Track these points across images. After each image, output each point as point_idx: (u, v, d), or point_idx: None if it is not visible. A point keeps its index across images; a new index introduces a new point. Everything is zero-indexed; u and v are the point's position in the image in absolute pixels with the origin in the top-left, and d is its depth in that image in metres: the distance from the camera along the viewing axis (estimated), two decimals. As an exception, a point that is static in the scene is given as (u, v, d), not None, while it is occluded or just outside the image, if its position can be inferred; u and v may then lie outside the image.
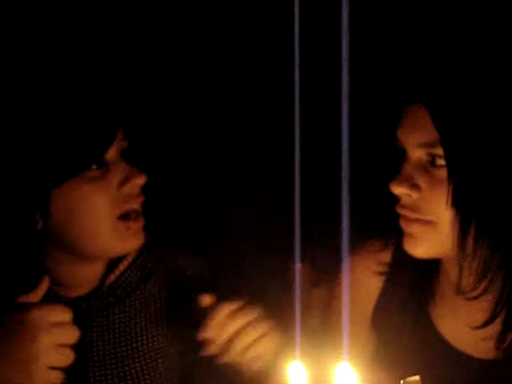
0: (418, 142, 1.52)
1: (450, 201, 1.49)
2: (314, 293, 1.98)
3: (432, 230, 1.53)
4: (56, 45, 1.93)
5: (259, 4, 2.30)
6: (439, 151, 1.50)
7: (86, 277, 1.64)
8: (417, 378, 1.35)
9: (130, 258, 1.68)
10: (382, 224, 1.69)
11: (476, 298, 1.56)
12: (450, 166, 1.49)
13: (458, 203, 1.49)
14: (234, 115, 2.33)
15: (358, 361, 1.63)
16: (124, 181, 1.56)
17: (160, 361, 1.68)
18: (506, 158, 1.48)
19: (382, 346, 1.69)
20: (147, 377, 1.67)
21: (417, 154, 1.53)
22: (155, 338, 1.68)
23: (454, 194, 1.49)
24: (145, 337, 1.67)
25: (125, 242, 1.57)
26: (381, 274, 1.70)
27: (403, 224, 1.57)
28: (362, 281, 1.71)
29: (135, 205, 1.58)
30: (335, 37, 1.83)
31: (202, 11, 2.32)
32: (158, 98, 2.30)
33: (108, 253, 1.60)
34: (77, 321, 1.55)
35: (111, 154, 1.56)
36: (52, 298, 1.57)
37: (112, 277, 1.67)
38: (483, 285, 1.55)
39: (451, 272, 1.61)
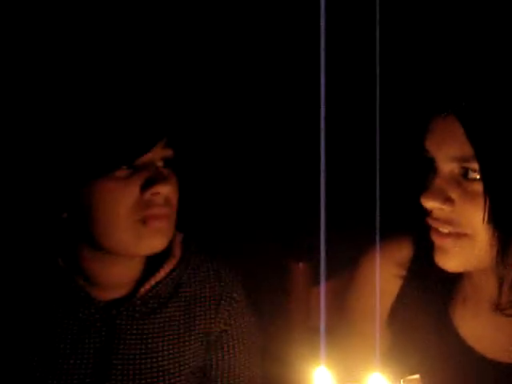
0: (450, 155, 1.47)
1: (486, 216, 1.45)
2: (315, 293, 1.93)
3: (466, 243, 1.49)
4: (103, 46, 1.97)
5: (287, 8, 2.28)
6: (473, 165, 1.45)
7: (118, 279, 1.61)
8: (417, 376, 1.32)
9: (165, 270, 1.64)
10: (408, 229, 1.66)
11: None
12: (486, 180, 1.44)
13: (496, 218, 1.44)
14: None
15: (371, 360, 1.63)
16: (146, 186, 1.52)
17: (183, 374, 1.65)
18: None
19: (398, 346, 1.65)
20: None
21: (449, 167, 1.48)
22: (180, 352, 1.65)
23: (492, 210, 1.44)
24: (171, 351, 1.64)
25: (142, 240, 1.53)
26: (399, 275, 1.66)
27: (435, 238, 1.52)
28: (380, 284, 1.66)
29: (158, 209, 1.54)
30: (366, 44, 1.81)
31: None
32: (205, 109, 2.27)
33: (127, 251, 1.55)
34: (106, 326, 1.59)
35: (145, 158, 1.53)
36: (83, 298, 1.58)
37: (147, 286, 1.62)
38: None
39: (485, 286, 1.58)
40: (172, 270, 1.65)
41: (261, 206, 2.43)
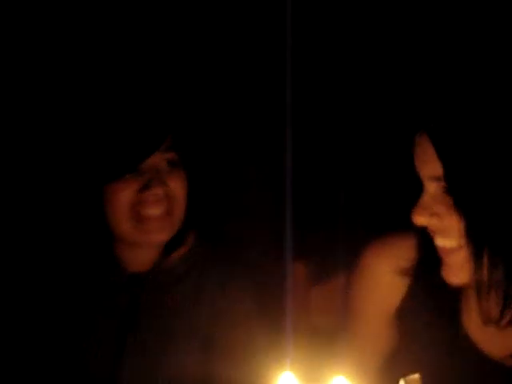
0: (429, 174, 1.51)
1: (462, 229, 1.48)
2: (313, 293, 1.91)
3: (464, 255, 1.50)
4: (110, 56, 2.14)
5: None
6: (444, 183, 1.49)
7: (140, 259, 1.83)
8: (416, 376, 1.31)
9: (179, 253, 1.85)
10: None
11: (506, 326, 1.54)
12: (455, 197, 1.47)
13: (469, 233, 1.48)
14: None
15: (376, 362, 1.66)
16: (143, 188, 1.74)
17: (194, 337, 1.82)
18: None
19: (405, 345, 1.65)
20: (178, 361, 1.80)
21: (432, 184, 1.51)
22: (191, 317, 1.82)
23: (464, 225, 1.47)
24: (184, 313, 1.82)
25: (141, 235, 1.75)
26: (405, 272, 1.65)
27: (442, 254, 1.54)
28: (383, 280, 1.67)
29: (152, 211, 1.75)
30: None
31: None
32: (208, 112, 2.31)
33: (132, 240, 1.77)
34: (131, 291, 1.82)
35: (144, 164, 1.74)
36: (114, 267, 1.83)
37: (165, 264, 1.84)
38: (509, 313, 1.53)
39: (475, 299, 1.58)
40: (185, 255, 1.85)
41: (261, 206, 2.40)
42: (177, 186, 1.76)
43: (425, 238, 1.59)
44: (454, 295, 1.61)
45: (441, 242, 1.53)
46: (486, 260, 1.48)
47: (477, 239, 1.47)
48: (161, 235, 1.77)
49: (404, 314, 1.65)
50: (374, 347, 1.67)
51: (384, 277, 1.66)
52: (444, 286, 1.58)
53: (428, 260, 1.61)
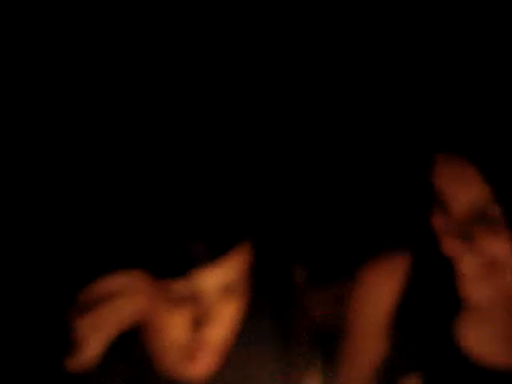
0: (467, 199, 1.42)
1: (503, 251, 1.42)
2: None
3: (495, 273, 1.46)
4: None
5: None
6: (493, 205, 1.40)
7: None
8: (416, 376, 1.36)
9: None
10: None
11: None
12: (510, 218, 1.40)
13: None
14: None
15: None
16: (193, 324, 1.43)
17: None
18: None
19: (398, 352, 1.65)
20: None
21: (466, 207, 1.43)
22: None
23: None
24: None
25: (184, 369, 1.48)
26: (400, 286, 1.65)
27: (465, 267, 1.48)
28: (382, 296, 1.67)
29: (200, 355, 1.45)
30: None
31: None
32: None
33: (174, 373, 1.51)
34: None
35: (205, 284, 1.40)
36: None
37: None
38: None
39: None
40: None
41: (261, 207, 2.42)
42: (226, 329, 1.47)
43: (420, 254, 1.61)
44: (450, 306, 1.60)
45: (468, 264, 1.46)
46: None
47: None
48: (204, 369, 1.48)
49: (399, 323, 1.65)
50: (369, 357, 1.69)
51: (383, 293, 1.67)
52: (440, 297, 1.59)
53: (424, 274, 1.62)
